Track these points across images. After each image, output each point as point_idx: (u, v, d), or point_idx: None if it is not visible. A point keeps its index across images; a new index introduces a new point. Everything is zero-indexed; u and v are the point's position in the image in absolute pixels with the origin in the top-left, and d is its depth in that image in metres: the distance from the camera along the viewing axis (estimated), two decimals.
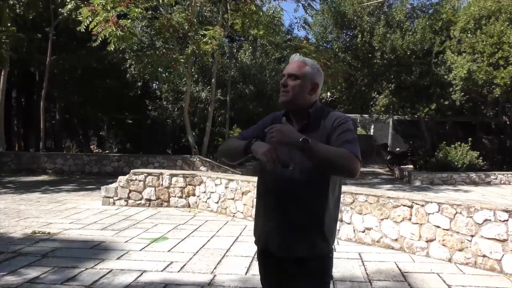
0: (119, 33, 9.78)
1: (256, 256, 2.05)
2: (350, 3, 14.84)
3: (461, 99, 13.21)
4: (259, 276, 2.04)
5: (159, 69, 12.24)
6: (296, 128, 1.84)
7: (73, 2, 11.77)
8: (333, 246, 1.91)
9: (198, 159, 12.18)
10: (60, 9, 12.79)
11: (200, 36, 11.32)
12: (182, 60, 11.70)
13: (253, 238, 2.03)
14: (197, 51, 11.61)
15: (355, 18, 14.95)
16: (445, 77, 13.47)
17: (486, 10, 13.01)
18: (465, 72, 12.32)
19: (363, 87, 15.98)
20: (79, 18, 10.36)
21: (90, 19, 10.05)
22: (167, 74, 12.62)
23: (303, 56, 2.00)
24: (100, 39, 10.03)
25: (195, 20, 11.73)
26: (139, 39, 12.53)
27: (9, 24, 12.77)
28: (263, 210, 1.91)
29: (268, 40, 13.37)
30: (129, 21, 10.18)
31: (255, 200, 2.05)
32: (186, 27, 11.45)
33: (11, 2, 12.75)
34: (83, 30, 10.31)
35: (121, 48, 11.05)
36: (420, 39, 13.89)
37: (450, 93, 13.45)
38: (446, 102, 13.82)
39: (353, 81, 15.74)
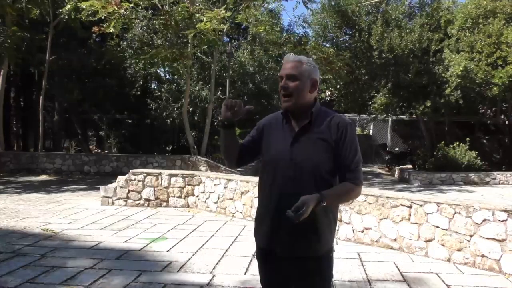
0: (122, 12, 9.71)
1: (255, 257, 2.04)
2: (349, 2, 14.85)
3: (457, 96, 13.19)
4: (258, 276, 2.04)
5: (166, 63, 12.05)
6: (296, 128, 1.84)
7: (72, 2, 11.75)
8: (332, 246, 1.93)
9: (197, 159, 12.17)
10: (60, 9, 12.77)
11: (199, 20, 11.13)
12: (187, 52, 11.51)
13: (253, 238, 2.03)
14: (198, 33, 11.24)
15: (353, 17, 14.96)
16: (443, 75, 13.46)
17: (482, 9, 13.03)
18: (461, 69, 12.31)
19: (362, 84, 15.96)
20: (80, 15, 10.40)
21: (94, 9, 10.08)
22: (174, 65, 12.18)
23: (303, 53, 1.99)
24: (112, 28, 10.09)
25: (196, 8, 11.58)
26: (140, 38, 12.48)
27: (11, 23, 12.76)
28: (265, 213, 1.91)
29: (266, 40, 13.29)
30: (131, 4, 10.21)
31: (254, 200, 2.05)
32: (187, 16, 11.22)
33: (9, 0, 12.72)
34: (90, 19, 10.41)
35: (120, 35, 10.97)
36: (418, 38, 13.86)
37: (445, 90, 13.43)
38: (442, 100, 13.80)
39: (352, 79, 15.74)
